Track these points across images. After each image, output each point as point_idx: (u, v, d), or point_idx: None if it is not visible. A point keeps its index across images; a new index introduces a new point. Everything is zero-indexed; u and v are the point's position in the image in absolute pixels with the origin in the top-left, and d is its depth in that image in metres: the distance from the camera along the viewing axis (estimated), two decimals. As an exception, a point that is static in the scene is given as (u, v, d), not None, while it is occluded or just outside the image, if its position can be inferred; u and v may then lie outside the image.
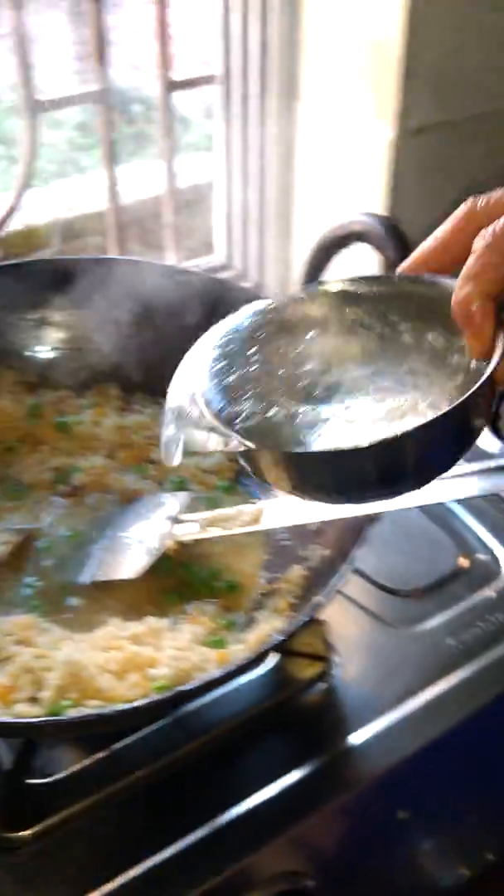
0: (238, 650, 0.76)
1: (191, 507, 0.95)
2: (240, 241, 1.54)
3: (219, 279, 1.14)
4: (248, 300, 1.02)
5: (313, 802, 0.82)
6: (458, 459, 0.56)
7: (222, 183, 1.52)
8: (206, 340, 0.66)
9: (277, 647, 0.73)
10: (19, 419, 1.04)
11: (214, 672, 0.71)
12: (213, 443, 0.60)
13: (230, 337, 0.65)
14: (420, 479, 0.56)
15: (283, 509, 0.88)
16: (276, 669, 0.89)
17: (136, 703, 0.68)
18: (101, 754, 0.83)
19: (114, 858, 0.77)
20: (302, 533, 0.89)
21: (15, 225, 1.46)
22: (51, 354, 1.09)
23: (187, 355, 0.66)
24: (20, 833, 0.77)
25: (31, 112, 1.37)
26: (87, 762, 0.82)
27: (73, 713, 0.71)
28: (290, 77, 1.35)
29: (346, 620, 0.95)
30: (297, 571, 0.86)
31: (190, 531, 0.91)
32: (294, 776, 0.83)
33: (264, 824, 0.80)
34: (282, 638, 0.74)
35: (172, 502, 0.95)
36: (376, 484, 0.55)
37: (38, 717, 0.72)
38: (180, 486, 0.99)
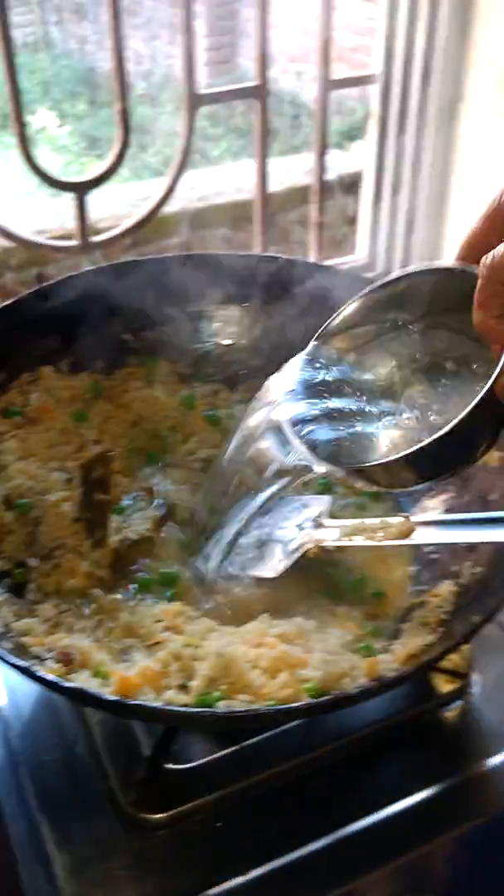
0: (386, 660, 0.75)
1: (337, 512, 0.94)
2: (384, 243, 1.52)
3: (369, 280, 1.12)
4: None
5: (445, 824, 0.81)
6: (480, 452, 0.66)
7: (370, 183, 1.51)
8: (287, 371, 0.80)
9: (429, 665, 0.72)
10: (171, 409, 1.06)
11: (369, 683, 0.71)
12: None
13: (306, 366, 0.79)
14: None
15: (435, 526, 0.87)
16: (414, 681, 0.88)
17: (297, 704, 0.68)
18: (232, 748, 0.84)
19: (241, 855, 0.78)
20: (453, 547, 0.87)
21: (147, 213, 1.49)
22: (205, 347, 1.11)
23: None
24: (156, 815, 0.79)
25: (191, 104, 1.38)
26: (220, 754, 0.83)
27: (222, 706, 0.71)
28: (455, 78, 1.33)
29: (487, 639, 0.92)
30: (446, 587, 0.84)
31: (332, 537, 0.90)
32: (426, 793, 0.82)
33: (393, 840, 0.80)
34: (436, 657, 0.73)
35: (316, 505, 0.94)
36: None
37: (187, 705, 0.72)
38: (326, 488, 0.99)
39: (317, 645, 0.78)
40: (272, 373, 1.09)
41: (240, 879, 0.76)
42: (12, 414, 0.98)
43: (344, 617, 0.84)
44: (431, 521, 0.87)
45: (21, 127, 1.35)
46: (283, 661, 0.74)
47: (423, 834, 0.80)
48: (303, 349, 1.06)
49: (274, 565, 0.89)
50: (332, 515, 0.94)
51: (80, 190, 1.42)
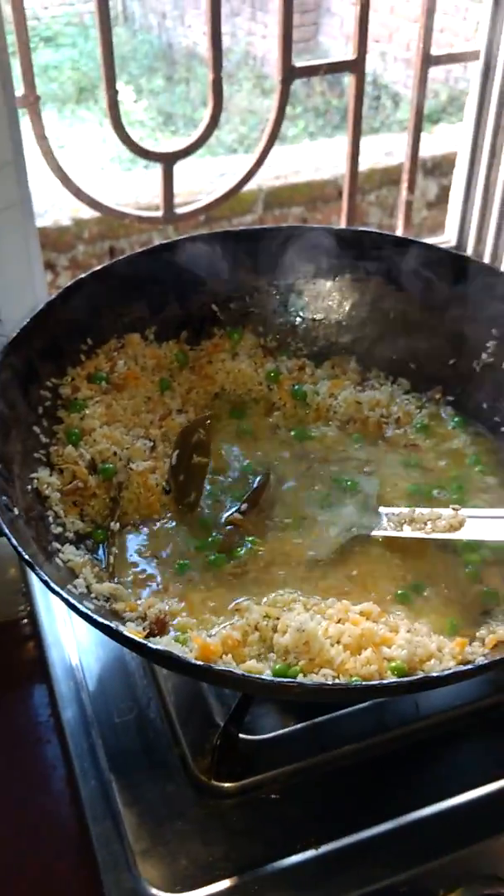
0: (475, 644, 0.74)
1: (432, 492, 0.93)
2: (475, 224, 1.47)
3: (464, 257, 1.09)
4: (494, 281, 0.98)
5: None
6: None
7: (464, 164, 1.46)
8: None
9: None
10: (256, 382, 1.05)
11: (458, 666, 0.69)
12: None
13: None
14: None
15: (488, 521, 0.85)
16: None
17: (385, 682, 0.67)
18: (305, 723, 0.83)
19: (309, 829, 0.77)
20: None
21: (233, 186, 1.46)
22: (293, 321, 1.09)
23: None
24: (227, 784, 0.79)
25: (285, 77, 1.36)
26: (293, 728, 0.83)
27: (301, 679, 0.70)
28: None
29: None
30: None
31: (381, 526, 0.89)
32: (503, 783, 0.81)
33: (466, 827, 0.78)
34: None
35: (372, 485, 0.94)
36: None
37: (265, 675, 0.72)
38: (416, 466, 0.97)
39: (402, 624, 0.77)
40: (360, 349, 1.08)
41: (308, 853, 0.76)
42: (98, 379, 0.98)
43: (429, 600, 0.83)
44: (484, 516, 0.85)
45: (114, 96, 1.35)
46: (367, 638, 0.73)
47: (498, 822, 0.79)
48: (396, 329, 1.05)
49: (325, 546, 0.88)
50: (382, 501, 0.93)
51: (168, 161, 1.41)
